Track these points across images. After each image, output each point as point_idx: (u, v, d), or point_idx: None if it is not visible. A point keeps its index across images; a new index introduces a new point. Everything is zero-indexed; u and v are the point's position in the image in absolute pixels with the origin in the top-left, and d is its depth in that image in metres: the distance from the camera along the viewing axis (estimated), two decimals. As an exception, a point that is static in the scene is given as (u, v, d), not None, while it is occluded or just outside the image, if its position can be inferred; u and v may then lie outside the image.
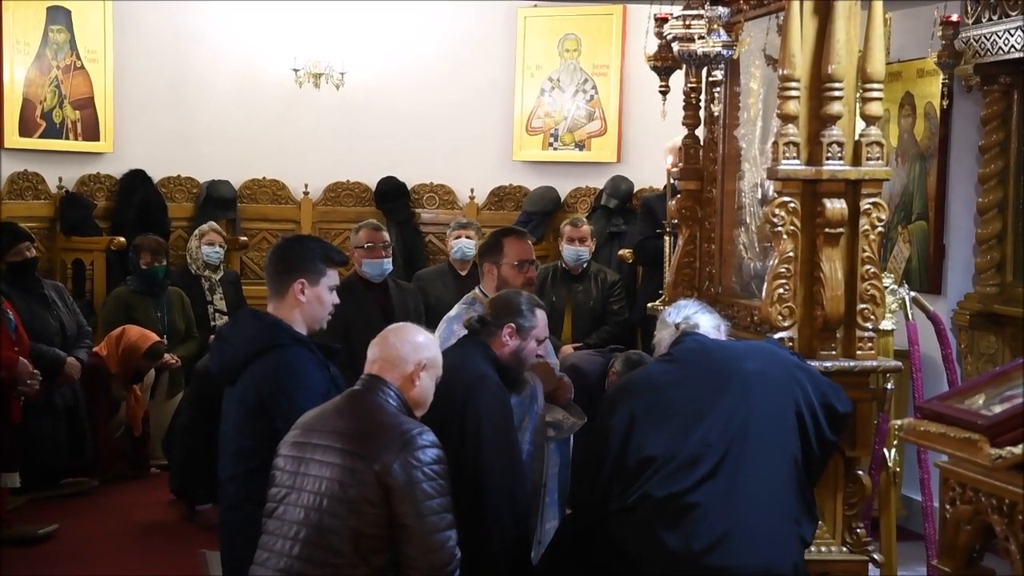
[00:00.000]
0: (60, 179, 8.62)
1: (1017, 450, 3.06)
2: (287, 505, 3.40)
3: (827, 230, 3.92)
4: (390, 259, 6.46)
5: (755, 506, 3.54)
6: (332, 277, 4.03)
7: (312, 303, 3.97)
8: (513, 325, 4.26)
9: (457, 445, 3.88)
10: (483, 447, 3.97)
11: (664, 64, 4.92)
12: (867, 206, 3.96)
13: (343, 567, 3.26)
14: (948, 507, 3.38)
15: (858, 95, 4.02)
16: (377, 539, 3.27)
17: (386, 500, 3.27)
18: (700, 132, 4.94)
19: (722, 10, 4.18)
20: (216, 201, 9.12)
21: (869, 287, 3.98)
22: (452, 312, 5.00)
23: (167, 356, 7.49)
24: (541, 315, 4.36)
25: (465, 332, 4.51)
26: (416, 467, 3.29)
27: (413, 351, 3.58)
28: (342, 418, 3.46)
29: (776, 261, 3.96)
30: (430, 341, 3.69)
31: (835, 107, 3.91)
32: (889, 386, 4.99)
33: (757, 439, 3.60)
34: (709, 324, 3.93)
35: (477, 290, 5.06)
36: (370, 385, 3.53)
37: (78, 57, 8.67)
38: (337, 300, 4.07)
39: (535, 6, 9.37)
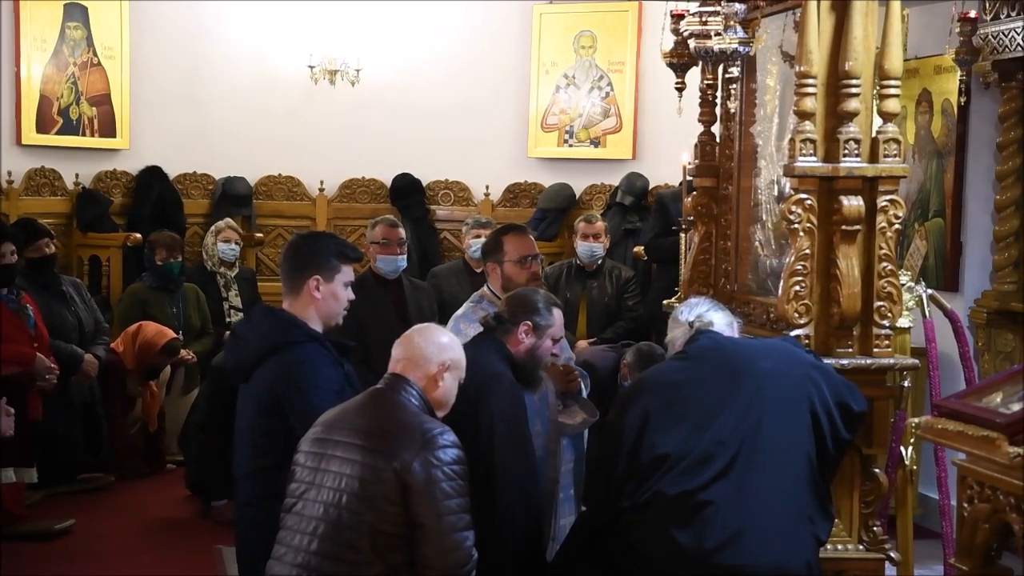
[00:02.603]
0: (77, 175, 8.65)
1: (1035, 448, 3.05)
2: (306, 501, 3.41)
3: (844, 227, 3.91)
4: (405, 256, 6.46)
5: (768, 504, 3.53)
6: (347, 273, 4.03)
7: (327, 299, 3.98)
8: (530, 323, 4.25)
9: (471, 442, 3.88)
10: (496, 445, 3.96)
11: (680, 61, 4.90)
12: (884, 203, 3.94)
13: (359, 564, 3.27)
14: (966, 505, 3.37)
15: (875, 92, 4.00)
16: (394, 537, 3.27)
17: (405, 498, 3.27)
18: (716, 129, 4.93)
19: (739, 6, 4.17)
20: (232, 198, 9.14)
21: (886, 284, 3.97)
22: (460, 311, 4.99)
23: (183, 352, 7.52)
24: (558, 314, 4.35)
25: (472, 331, 4.52)
26: (436, 466, 3.29)
27: (438, 352, 3.59)
28: (364, 416, 3.46)
29: (792, 258, 3.95)
30: (454, 342, 3.69)
31: (852, 104, 3.90)
32: (906, 384, 4.97)
33: (771, 437, 3.59)
34: (722, 321, 3.92)
35: (485, 288, 5.07)
36: (393, 384, 3.54)
37: (95, 54, 8.71)
38: (352, 296, 4.07)
39: (550, 3, 9.37)
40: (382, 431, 3.38)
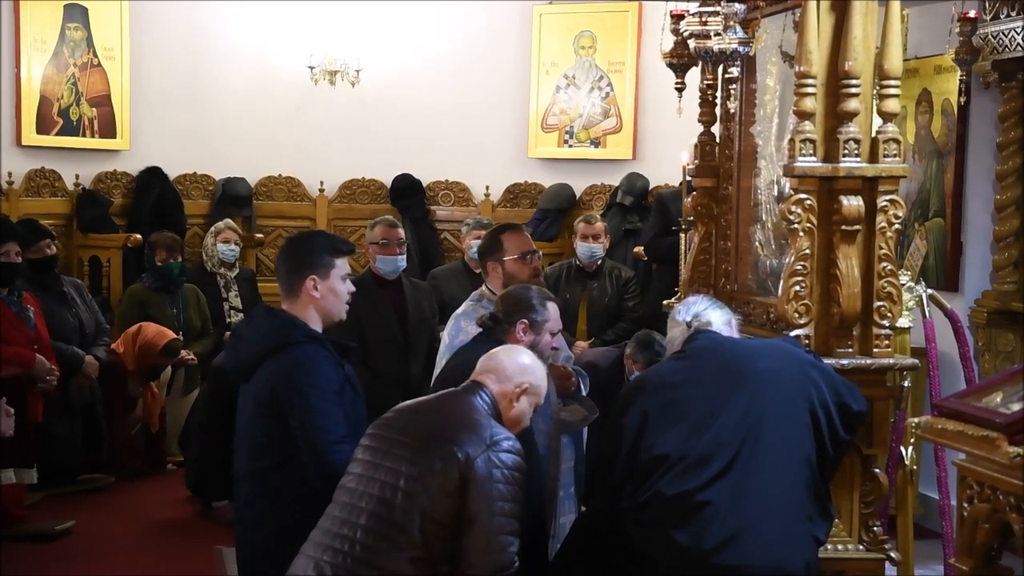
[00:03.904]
0: (77, 176, 8.65)
1: (1035, 448, 3.05)
2: (363, 478, 3.43)
3: (844, 227, 3.91)
4: (404, 256, 6.46)
5: (767, 505, 3.53)
6: (343, 267, 4.03)
7: (327, 297, 3.98)
8: (526, 320, 4.26)
9: None
10: None
11: (680, 61, 4.90)
12: (884, 203, 3.94)
13: (402, 544, 3.30)
14: (966, 505, 3.37)
15: (875, 92, 4.00)
16: (443, 527, 3.31)
17: (462, 491, 3.30)
18: (716, 129, 4.93)
19: (738, 6, 4.17)
20: (232, 198, 9.15)
21: (886, 284, 3.97)
22: (460, 310, 5.00)
23: (183, 353, 7.52)
24: (553, 307, 4.35)
25: (473, 329, 4.52)
26: (498, 467, 3.33)
27: (519, 372, 3.62)
28: (436, 409, 3.53)
29: (792, 258, 3.95)
30: (536, 366, 3.70)
31: (852, 104, 3.89)
32: (906, 384, 4.97)
33: (770, 438, 3.58)
34: (720, 320, 3.92)
35: (484, 287, 5.07)
36: (470, 388, 3.60)
37: (95, 55, 8.71)
38: (352, 288, 4.07)
39: (550, 3, 9.37)
40: (451, 423, 3.43)
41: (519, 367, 3.64)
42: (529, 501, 4.00)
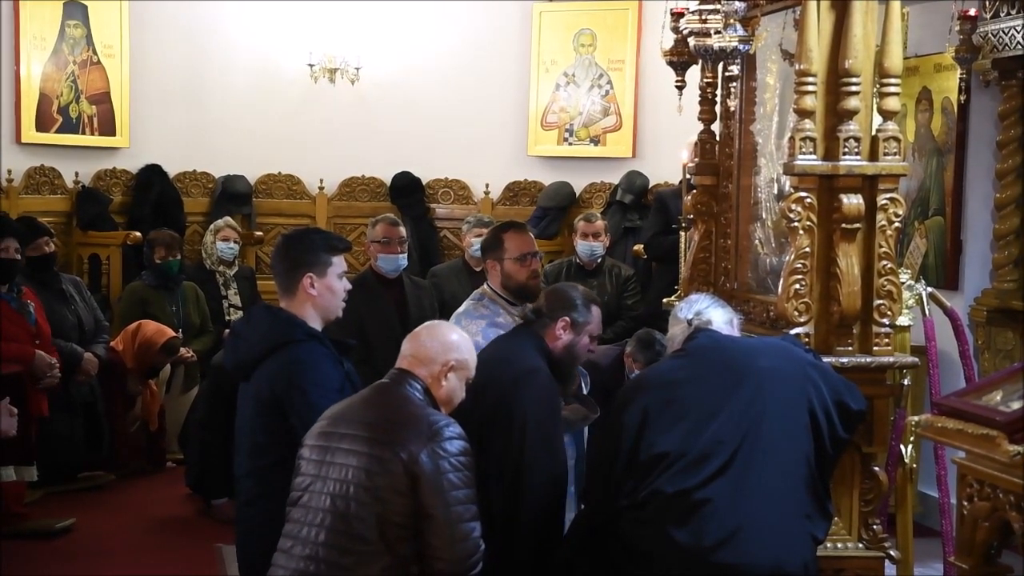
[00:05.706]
0: (76, 174, 8.66)
1: (1035, 447, 3.05)
2: (312, 493, 3.41)
3: (844, 226, 3.91)
4: (406, 255, 6.47)
5: (766, 503, 3.53)
6: (339, 264, 4.03)
7: (324, 295, 3.98)
8: (568, 319, 4.25)
9: (504, 435, 3.89)
10: (526, 445, 3.95)
11: (680, 59, 4.90)
12: (884, 201, 3.94)
13: (368, 554, 3.28)
14: (965, 504, 3.37)
15: (875, 90, 4.00)
16: (403, 528, 3.30)
17: (413, 489, 3.29)
18: (716, 127, 4.93)
19: (738, 5, 4.17)
20: (232, 196, 9.15)
21: (886, 283, 3.96)
22: (461, 308, 5.01)
23: (182, 351, 7.52)
24: (596, 311, 4.35)
25: (474, 327, 4.52)
26: (443, 457, 3.32)
27: (443, 351, 3.59)
28: (369, 408, 3.49)
29: (792, 257, 3.95)
30: (463, 342, 3.67)
31: (852, 102, 3.89)
32: (906, 382, 4.97)
33: (769, 436, 3.58)
34: (722, 319, 3.92)
35: (485, 286, 5.07)
36: (398, 378, 3.56)
37: (94, 52, 8.71)
38: (349, 286, 4.07)
39: (550, 1, 9.36)
40: (389, 422, 3.39)
41: (443, 345, 3.61)
42: (551, 503, 4.01)
